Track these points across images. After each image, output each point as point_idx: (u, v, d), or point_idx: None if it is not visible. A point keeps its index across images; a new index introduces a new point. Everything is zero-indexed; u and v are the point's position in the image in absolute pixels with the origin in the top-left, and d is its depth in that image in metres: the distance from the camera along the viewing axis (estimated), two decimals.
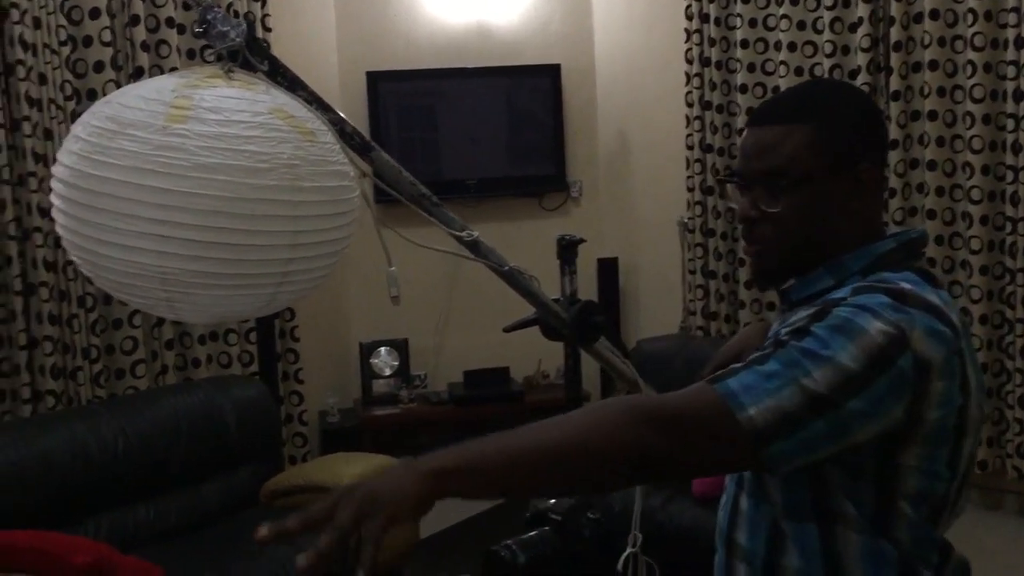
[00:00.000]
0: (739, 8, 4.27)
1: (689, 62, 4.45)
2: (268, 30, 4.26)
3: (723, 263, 4.48)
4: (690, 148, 4.51)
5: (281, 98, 1.20)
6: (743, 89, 4.31)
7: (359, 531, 0.95)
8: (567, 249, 1.70)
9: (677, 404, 1.05)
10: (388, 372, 4.72)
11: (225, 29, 1.19)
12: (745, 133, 1.27)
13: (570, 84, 4.86)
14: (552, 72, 4.79)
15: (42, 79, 3.50)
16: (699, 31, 4.39)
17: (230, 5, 4.08)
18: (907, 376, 1.09)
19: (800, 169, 1.19)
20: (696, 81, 4.43)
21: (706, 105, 4.43)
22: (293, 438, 4.45)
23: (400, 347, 4.75)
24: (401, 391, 4.68)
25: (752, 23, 4.27)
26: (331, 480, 3.23)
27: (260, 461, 3.46)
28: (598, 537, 1.38)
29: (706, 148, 4.46)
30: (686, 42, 4.45)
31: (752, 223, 1.23)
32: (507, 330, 1.70)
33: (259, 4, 4.20)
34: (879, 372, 1.06)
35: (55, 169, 1.12)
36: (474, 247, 1.47)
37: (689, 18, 4.43)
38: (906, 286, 1.16)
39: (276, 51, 4.28)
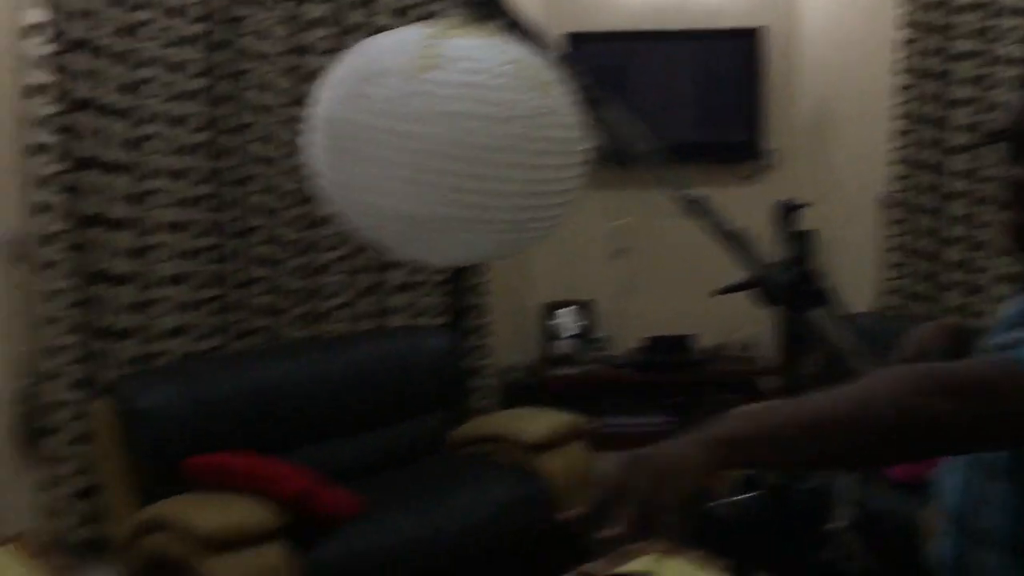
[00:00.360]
0: None
1: (904, 28, 4.23)
2: None
3: (928, 241, 4.27)
4: (899, 119, 4.30)
5: (519, 50, 1.23)
6: (963, 57, 4.05)
7: (654, 500, 0.96)
8: (787, 212, 1.66)
9: (973, 371, 1.02)
10: (571, 332, 4.77)
11: None
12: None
13: (770, 48, 4.71)
14: (750, 36, 4.66)
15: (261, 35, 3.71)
16: None
17: None
18: None
19: None
20: (910, 48, 4.20)
21: (920, 73, 4.20)
22: (477, 391, 4.58)
23: (585, 308, 4.79)
24: (582, 352, 4.72)
25: None
26: (515, 433, 3.32)
27: (447, 409, 3.59)
28: (810, 508, 1.36)
29: (917, 119, 4.24)
30: (900, 6, 4.22)
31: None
32: (717, 293, 1.68)
33: None
34: None
35: (312, 113, 1.19)
36: (698, 206, 1.46)
37: None
38: None
39: None
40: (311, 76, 3.66)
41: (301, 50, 3.85)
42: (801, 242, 1.66)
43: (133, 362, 3.43)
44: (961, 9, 4.02)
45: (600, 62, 4.82)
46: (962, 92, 4.06)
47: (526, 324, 4.90)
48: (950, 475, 1.27)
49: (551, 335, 4.80)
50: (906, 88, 4.25)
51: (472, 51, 1.17)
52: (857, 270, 4.64)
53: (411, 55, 1.15)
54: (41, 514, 3.51)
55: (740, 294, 1.68)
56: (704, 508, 1.28)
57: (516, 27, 1.25)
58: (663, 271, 4.78)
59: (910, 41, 4.21)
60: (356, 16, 3.98)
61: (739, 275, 1.62)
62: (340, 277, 4.03)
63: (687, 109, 4.84)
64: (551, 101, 1.20)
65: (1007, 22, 3.92)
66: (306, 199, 3.82)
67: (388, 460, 3.41)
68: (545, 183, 1.21)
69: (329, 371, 3.33)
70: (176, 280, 3.59)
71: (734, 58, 4.74)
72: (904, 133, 4.28)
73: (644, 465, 0.97)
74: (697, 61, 4.81)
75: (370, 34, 1.35)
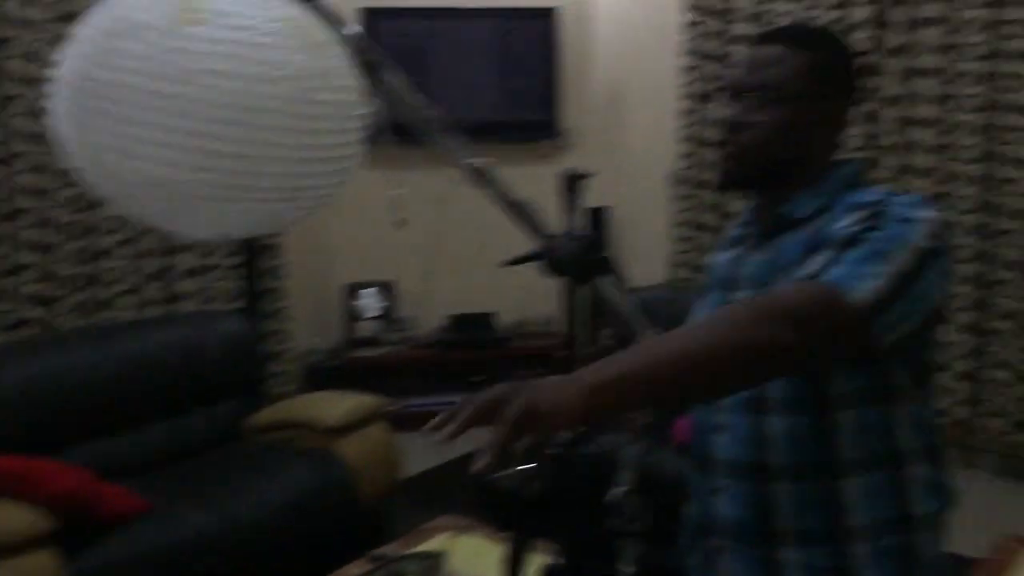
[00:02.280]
0: None
1: (689, 10, 4.40)
2: None
3: (711, 215, 4.47)
4: (684, 99, 4.47)
5: (293, 8, 1.15)
6: (739, 40, 4.26)
7: (520, 432, 0.99)
8: (572, 182, 1.67)
9: (792, 297, 1.13)
10: (373, 314, 4.70)
11: None
12: (751, 48, 1.38)
13: (565, 28, 4.78)
14: (547, 16, 4.71)
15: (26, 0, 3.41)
16: None
17: None
18: (947, 255, 1.24)
19: (791, 87, 1.32)
20: (695, 29, 4.38)
21: (704, 54, 4.38)
22: (276, 376, 4.43)
23: (386, 289, 4.73)
24: (385, 333, 4.66)
25: None
26: (314, 418, 3.23)
27: (242, 396, 3.44)
28: (593, 474, 1.37)
29: (699, 99, 4.42)
30: None
31: (735, 128, 1.34)
32: (505, 265, 1.67)
33: None
34: (941, 249, 1.21)
35: (57, 73, 1.07)
36: (482, 175, 1.44)
37: None
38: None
39: None
40: None
41: (70, 16, 3.56)
42: (585, 212, 1.68)
43: None
44: None
45: (398, 38, 4.75)
46: None
47: (327, 306, 4.79)
48: (721, 428, 1.33)
49: (353, 317, 4.71)
50: (690, 69, 4.42)
51: (239, 6, 1.09)
52: (650, 244, 4.81)
53: (171, 8, 1.05)
54: None
55: (536, 268, 1.67)
56: (486, 482, 1.26)
57: None
58: (463, 250, 4.78)
59: (693, 24, 4.38)
60: None
61: (528, 247, 1.61)
62: (123, 262, 3.79)
63: (486, 88, 4.85)
64: (325, 63, 1.13)
65: (781, 7, 4.14)
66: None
67: (180, 452, 3.22)
68: (318, 149, 1.14)
69: (110, 361, 3.11)
70: None
71: (531, 38, 4.79)
72: (688, 112, 4.46)
73: (517, 400, 1.00)
74: (495, 40, 4.82)
75: None
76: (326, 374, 4.48)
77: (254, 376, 3.56)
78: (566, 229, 1.63)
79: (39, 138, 3.46)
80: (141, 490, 2.84)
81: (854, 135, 3.98)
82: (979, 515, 3.64)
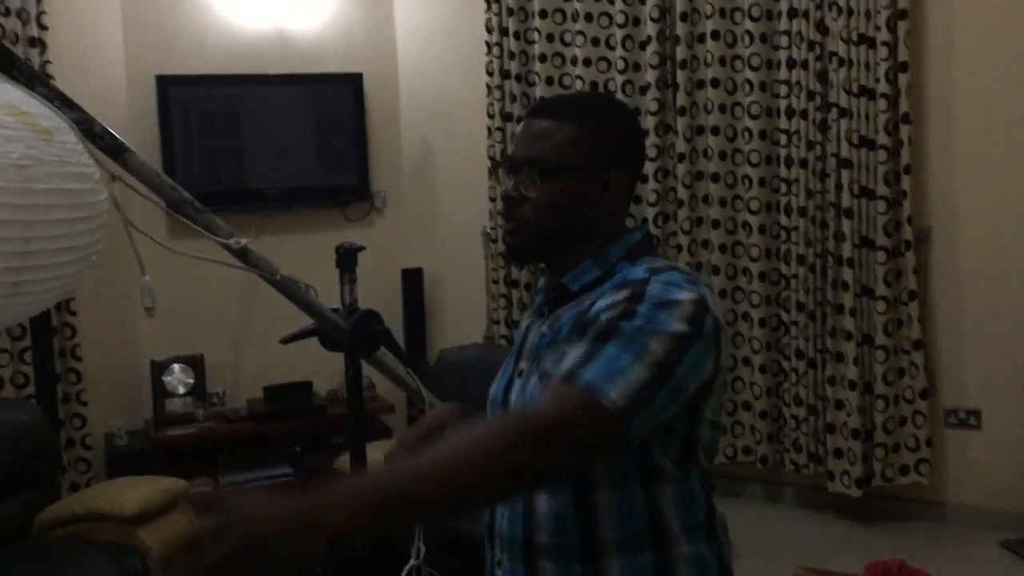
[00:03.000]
0: (537, 23, 4.36)
1: (489, 74, 4.51)
2: (44, 28, 3.99)
3: (525, 272, 4.55)
4: (491, 158, 4.57)
5: (14, 93, 1.10)
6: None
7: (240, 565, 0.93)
8: (346, 257, 1.66)
9: (548, 414, 1.12)
10: (182, 390, 4.50)
11: None
12: (522, 123, 1.39)
13: (373, 93, 4.80)
14: (354, 80, 4.72)
15: None
16: (499, 44, 4.45)
17: (1, 2, 3.79)
18: (712, 334, 1.24)
19: (560, 160, 1.32)
20: (496, 92, 4.49)
21: (507, 116, 4.49)
22: (76, 463, 4.17)
23: (195, 363, 4.54)
24: (197, 409, 4.47)
25: (550, 38, 4.37)
26: (113, 508, 3.04)
27: (34, 490, 3.21)
28: (375, 549, 1.34)
29: (499, 160, 4.53)
30: (487, 54, 4.50)
31: (513, 203, 1.35)
32: (284, 341, 1.65)
33: (34, 1, 3.92)
34: (697, 333, 1.21)
35: None
36: (243, 255, 1.41)
37: (489, 31, 4.48)
38: (681, 266, 1.36)
39: (56, 49, 4.08)
40: None
41: None
42: (356, 285, 1.68)
43: None
44: (540, 58, 4.36)
45: (202, 107, 4.64)
46: None
47: (133, 385, 4.55)
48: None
49: (162, 394, 4.50)
50: (496, 130, 4.52)
51: None
52: (469, 304, 4.85)
53: None
54: None
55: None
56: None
57: (15, 69, 1.13)
58: (274, 319, 4.66)
59: (496, 87, 4.49)
60: None
61: (306, 321, 1.59)
62: None
63: (297, 154, 4.79)
64: (53, 148, 1.08)
65: (576, 70, 4.31)
66: None
67: None
68: (41, 240, 1.08)
69: None
70: None
71: (339, 103, 4.78)
72: (492, 172, 4.55)
73: (239, 529, 0.94)
74: (304, 106, 4.79)
75: None
76: (132, 458, 4.24)
77: (48, 467, 3.33)
78: (341, 304, 1.63)
79: None
80: None
81: (652, 190, 4.16)
82: (783, 547, 3.83)
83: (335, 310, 1.52)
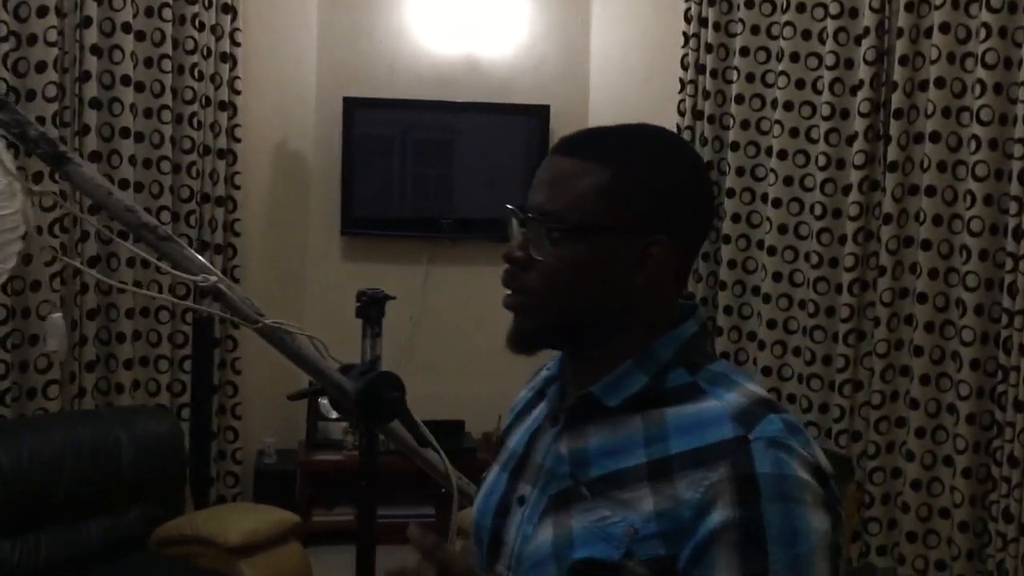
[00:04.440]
0: (737, 61, 3.99)
1: (681, 114, 4.18)
2: (237, 44, 4.05)
3: (702, 286, 4.15)
4: None
5: None
6: (734, 147, 4.01)
7: None
8: (370, 306, 1.41)
9: None
10: (336, 415, 4.43)
11: None
12: (544, 160, 1.05)
13: (559, 126, 4.58)
14: (541, 112, 4.53)
15: None
16: (694, 82, 4.12)
17: (196, 16, 3.89)
18: (840, 515, 0.95)
19: (581, 215, 0.98)
20: (686, 134, 4.14)
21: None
22: (225, 477, 4.18)
23: None
24: (347, 436, 4.39)
25: (749, 78, 3.98)
26: (218, 535, 2.94)
27: (156, 502, 3.18)
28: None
29: None
30: (679, 92, 4.17)
31: (517, 266, 1.01)
32: (291, 398, 1.42)
33: (229, 17, 4.00)
34: (837, 529, 0.93)
35: None
36: (216, 294, 1.19)
37: (685, 68, 4.15)
38: (756, 389, 0.99)
39: (247, 66, 4.14)
40: None
41: None
42: (381, 339, 1.43)
43: None
44: (736, 99, 3.99)
45: (384, 130, 4.60)
46: (732, 181, 4.02)
47: (291, 405, 4.53)
48: None
49: (316, 417, 4.45)
50: None
51: None
52: None
53: None
54: None
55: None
56: None
57: None
58: (437, 352, 4.53)
59: (688, 128, 4.15)
60: None
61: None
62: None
63: (474, 184, 4.66)
64: None
65: (775, 114, 3.89)
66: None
67: (77, 561, 2.96)
68: None
69: (5, 459, 2.88)
70: None
71: (524, 135, 4.61)
72: None
73: None
74: (487, 135, 4.65)
75: None
76: (278, 477, 4.21)
77: (174, 480, 3.30)
78: (361, 360, 1.39)
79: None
80: None
81: (850, 253, 3.67)
82: None
83: (347, 367, 1.26)
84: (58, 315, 0.95)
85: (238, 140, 4.08)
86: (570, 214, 0.98)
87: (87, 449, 3.05)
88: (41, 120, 3.50)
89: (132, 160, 3.74)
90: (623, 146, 1.02)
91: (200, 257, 1.20)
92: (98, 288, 3.64)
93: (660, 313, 1.02)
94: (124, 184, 3.71)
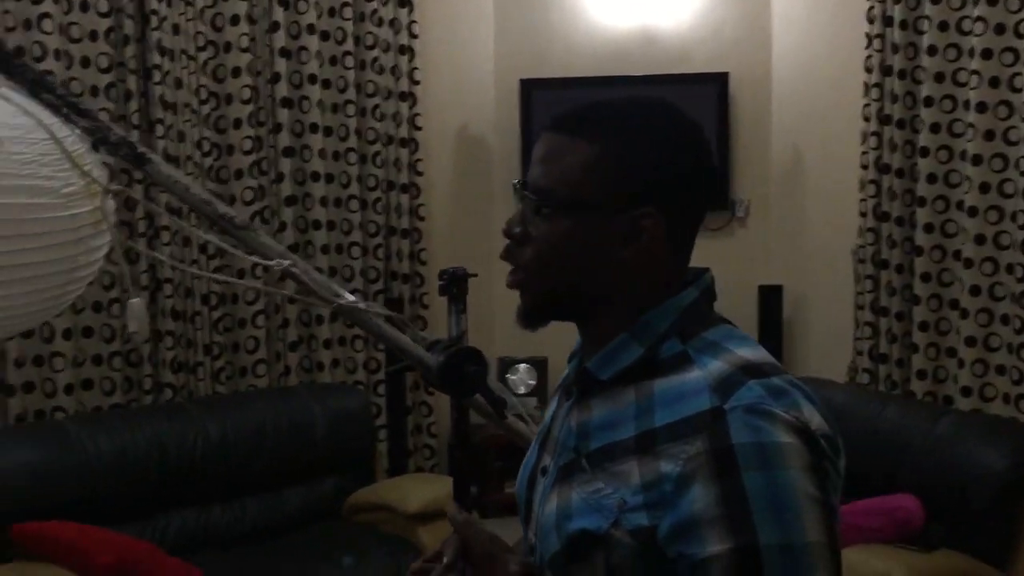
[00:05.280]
0: (928, 10, 3.71)
1: (868, 71, 3.94)
2: (414, 36, 4.22)
3: (896, 299, 3.93)
4: (864, 168, 3.99)
5: None
6: (928, 102, 3.74)
7: None
8: (452, 283, 1.46)
9: None
10: (523, 390, 4.54)
11: None
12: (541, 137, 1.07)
13: (739, 94, 4.46)
14: (719, 80, 4.41)
15: (178, 83, 3.64)
16: (881, 36, 3.87)
17: (375, 12, 4.08)
18: (832, 475, 0.93)
19: (568, 191, 1.00)
20: (874, 92, 3.90)
21: (884, 119, 3.89)
22: (421, 449, 4.38)
23: (540, 366, 4.57)
24: (535, 411, 4.49)
25: (942, 26, 3.70)
26: (399, 503, 3.12)
27: (349, 473, 3.40)
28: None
29: (882, 168, 3.92)
30: (866, 48, 3.94)
31: (514, 241, 1.05)
32: (388, 372, 1.49)
33: (405, 11, 4.16)
34: (829, 499, 0.92)
35: None
36: (291, 277, 1.27)
37: (871, 21, 3.91)
38: (746, 354, 0.97)
39: (425, 56, 4.30)
40: None
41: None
42: (466, 315, 1.46)
43: (20, 418, 3.35)
44: (928, 50, 3.72)
45: (559, 109, 4.63)
46: (926, 140, 3.75)
47: None
48: None
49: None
50: (871, 135, 3.94)
51: None
52: (834, 329, 4.31)
53: None
54: None
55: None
56: None
57: (17, 76, 1.10)
58: None
59: (874, 85, 3.91)
60: None
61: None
62: (261, 331, 3.91)
63: None
64: None
65: (971, 64, 3.60)
66: (220, 251, 3.72)
67: (276, 527, 3.23)
68: None
69: (211, 432, 3.19)
70: (80, 333, 3.51)
71: (702, 104, 4.50)
72: (869, 183, 3.97)
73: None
74: None
75: None
76: (470, 449, 4.36)
77: (364, 452, 3.52)
78: (448, 336, 1.43)
79: (179, 211, 3.65)
80: (218, 565, 2.85)
81: None
82: None
83: (434, 343, 1.32)
84: (137, 299, 1.05)
85: (419, 128, 4.26)
86: (559, 190, 1.00)
87: (286, 424, 3.31)
88: (239, 122, 3.81)
89: (321, 153, 3.99)
90: (611, 121, 1.03)
91: (277, 244, 1.29)
92: None
93: (655, 287, 1.02)
94: (315, 176, 3.98)
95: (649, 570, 0.92)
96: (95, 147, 1.17)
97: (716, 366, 0.95)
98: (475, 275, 1.45)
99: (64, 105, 1.12)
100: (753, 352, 0.98)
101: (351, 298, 1.28)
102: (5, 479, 2.77)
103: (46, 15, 3.34)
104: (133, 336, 1.25)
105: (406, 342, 1.31)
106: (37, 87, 1.11)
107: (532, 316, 1.07)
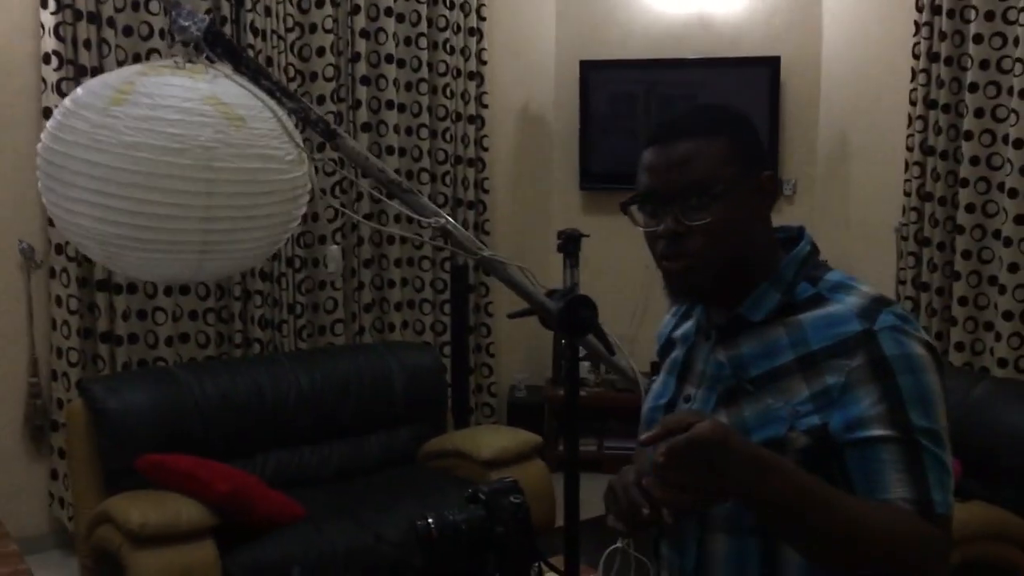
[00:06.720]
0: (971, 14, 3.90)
1: (916, 57, 4.13)
2: (483, 19, 4.47)
3: (938, 275, 4.14)
4: (909, 149, 4.20)
5: (224, 86, 1.34)
6: (972, 88, 3.94)
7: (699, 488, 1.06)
8: (569, 242, 1.72)
9: (945, 547, 1.17)
10: (580, 355, 4.80)
11: (186, 24, 1.35)
12: (648, 152, 1.26)
13: (790, 77, 4.66)
14: (771, 64, 4.62)
15: (268, 62, 3.93)
16: (929, 23, 4.06)
17: None
18: (945, 370, 1.23)
19: (722, 179, 1.21)
20: (922, 77, 4.10)
21: (931, 104, 4.09)
22: (481, 407, 4.68)
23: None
24: (591, 375, 4.76)
25: (988, 15, 3.89)
26: (473, 450, 3.41)
27: (423, 423, 3.69)
28: (520, 520, 1.42)
29: (927, 150, 4.13)
30: (914, 35, 4.13)
31: (679, 238, 1.23)
32: (511, 316, 1.76)
33: None
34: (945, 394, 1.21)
35: (40, 144, 1.35)
36: (444, 234, 1.54)
37: (919, 9, 4.10)
38: (869, 290, 1.23)
39: (492, 38, 4.55)
40: None
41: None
42: (578, 270, 1.72)
43: (126, 367, 3.68)
44: (975, 39, 3.91)
45: (618, 90, 4.88)
46: (970, 124, 3.95)
47: (539, 345, 4.97)
48: (676, 544, 1.31)
49: (562, 356, 4.85)
50: (917, 119, 4.15)
51: (162, 88, 1.29)
52: None
53: (110, 91, 1.28)
54: (48, 503, 3.79)
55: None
56: (413, 524, 1.35)
57: (243, 64, 1.36)
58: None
59: (922, 71, 4.11)
60: None
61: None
62: (340, 293, 4.21)
63: None
64: (242, 134, 1.30)
65: (1016, 52, 3.79)
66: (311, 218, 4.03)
67: (359, 469, 3.54)
68: (222, 209, 1.31)
69: (303, 382, 3.49)
70: (178, 291, 3.83)
71: (755, 87, 4.71)
72: (914, 164, 4.18)
73: (700, 456, 1.04)
74: (716, 90, 4.80)
75: None
76: (527, 409, 4.66)
77: (436, 405, 3.80)
78: (563, 286, 1.69)
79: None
80: (309, 500, 3.15)
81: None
82: None
83: (552, 292, 1.59)
84: (336, 247, 1.27)
85: (485, 106, 4.52)
86: (713, 181, 1.21)
87: (367, 376, 3.61)
88: (321, 98, 4.09)
89: (396, 129, 4.26)
90: (722, 118, 1.27)
91: (432, 204, 1.56)
92: (371, 240, 4.23)
93: (770, 235, 1.27)
94: (390, 150, 4.26)
95: (818, 460, 1.16)
96: (304, 124, 1.44)
97: (853, 300, 1.21)
98: (587, 235, 1.70)
99: (277, 90, 1.39)
100: (871, 289, 1.24)
101: (489, 252, 1.55)
102: (128, 416, 3.09)
103: None
104: (330, 275, 1.51)
105: (532, 289, 1.58)
106: (258, 75, 1.38)
107: (700, 291, 1.27)
